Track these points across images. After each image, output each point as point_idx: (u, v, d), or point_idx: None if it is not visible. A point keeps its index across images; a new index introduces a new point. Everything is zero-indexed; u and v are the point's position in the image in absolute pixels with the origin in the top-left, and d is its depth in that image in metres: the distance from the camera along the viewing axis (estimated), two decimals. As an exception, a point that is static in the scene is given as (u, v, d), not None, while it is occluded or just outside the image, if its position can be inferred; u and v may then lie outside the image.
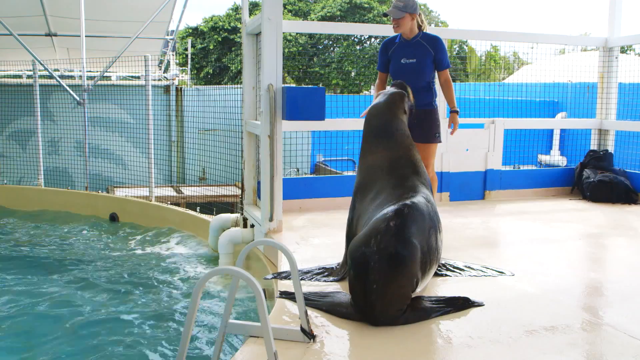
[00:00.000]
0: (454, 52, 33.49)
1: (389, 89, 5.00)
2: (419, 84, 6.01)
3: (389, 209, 3.90)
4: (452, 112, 6.26)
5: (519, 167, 10.51)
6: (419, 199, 4.08)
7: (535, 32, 9.41)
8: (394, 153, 4.57)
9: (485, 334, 3.57)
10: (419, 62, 6.00)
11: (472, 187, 8.27)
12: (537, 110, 12.98)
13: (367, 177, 4.58)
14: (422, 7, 41.98)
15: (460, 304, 3.98)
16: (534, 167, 11.10)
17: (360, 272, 3.65)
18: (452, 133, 6.35)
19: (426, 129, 6.11)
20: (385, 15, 6.05)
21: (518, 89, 13.72)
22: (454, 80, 6.56)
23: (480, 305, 4.01)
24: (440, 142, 6.28)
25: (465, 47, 34.27)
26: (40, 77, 13.08)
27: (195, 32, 33.83)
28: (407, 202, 3.96)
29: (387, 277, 3.61)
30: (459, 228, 6.47)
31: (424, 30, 6.13)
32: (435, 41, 6.05)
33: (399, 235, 3.70)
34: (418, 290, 3.91)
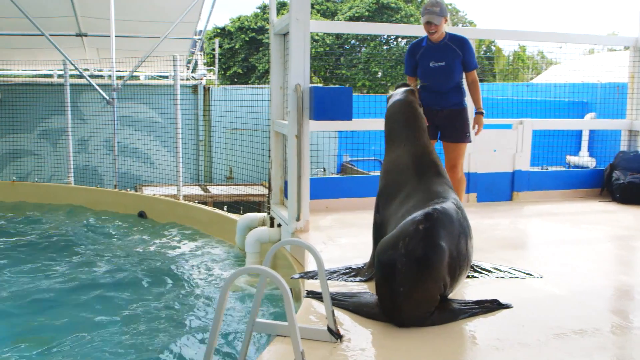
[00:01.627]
0: (482, 52, 33.28)
1: (398, 89, 5.01)
2: (449, 85, 6.01)
3: (418, 212, 3.89)
4: (478, 113, 6.21)
5: (547, 168, 10.42)
6: (449, 205, 4.06)
7: (564, 32, 9.31)
8: (417, 149, 4.57)
9: (513, 336, 3.55)
10: (448, 65, 5.96)
11: (500, 188, 8.21)
12: (565, 111, 12.86)
13: (393, 178, 4.59)
14: (449, 6, 41.80)
15: (488, 307, 3.96)
16: (562, 169, 10.99)
17: (387, 275, 3.65)
18: (476, 134, 6.31)
19: (457, 128, 6.10)
20: (427, 24, 5.88)
21: (546, 89, 13.61)
22: (481, 81, 6.49)
23: (508, 307, 3.99)
24: (470, 141, 6.25)
25: (492, 47, 34.03)
26: (71, 76, 13.24)
27: (222, 32, 34.00)
28: (437, 206, 3.94)
29: (414, 280, 3.60)
30: (487, 229, 6.44)
31: (448, 32, 6.09)
32: (463, 43, 6.01)
33: (427, 239, 3.68)
34: (448, 294, 3.90)
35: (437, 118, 6.04)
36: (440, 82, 5.99)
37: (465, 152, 6.27)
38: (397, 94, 4.94)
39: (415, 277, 3.61)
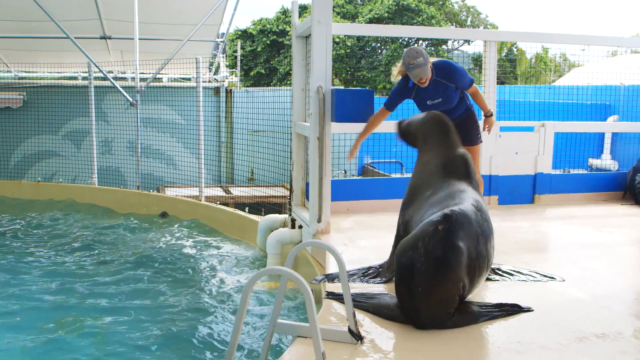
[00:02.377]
0: (503, 54, 33.10)
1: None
2: (449, 110, 5.84)
3: (437, 213, 3.90)
4: (487, 116, 6.20)
5: (569, 171, 10.37)
6: (467, 206, 4.07)
7: (587, 34, 9.25)
8: (449, 152, 4.67)
9: (534, 339, 3.55)
10: (445, 99, 5.75)
11: (521, 190, 8.18)
12: (587, 114, 12.76)
13: (420, 178, 4.66)
14: (471, 8, 41.59)
15: (509, 310, 3.96)
16: (584, 171, 10.92)
17: (406, 275, 3.68)
18: (488, 132, 6.30)
19: (468, 131, 6.02)
20: (415, 78, 5.54)
21: (568, 91, 13.51)
22: (502, 83, 6.48)
23: (529, 311, 3.98)
24: (481, 142, 6.20)
25: (514, 49, 33.82)
26: (95, 78, 13.39)
27: (244, 34, 34.14)
28: (456, 208, 3.96)
29: (432, 280, 3.62)
30: (508, 232, 6.42)
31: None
32: (450, 74, 5.74)
33: (446, 240, 3.70)
34: (468, 296, 3.91)
35: None
36: (443, 111, 5.99)
37: (479, 153, 6.26)
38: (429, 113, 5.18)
39: (434, 278, 3.63)
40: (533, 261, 5.24)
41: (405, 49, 5.62)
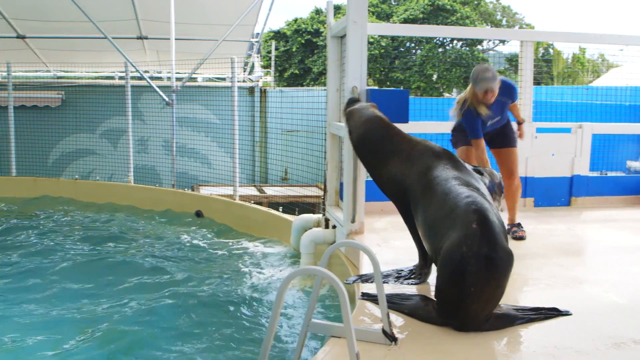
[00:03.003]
0: (539, 55, 32.73)
1: (360, 104, 5.19)
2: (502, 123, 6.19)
3: (464, 214, 3.84)
4: (520, 124, 6.53)
5: (606, 174, 10.21)
6: (476, 193, 4.05)
7: (626, 34, 9.09)
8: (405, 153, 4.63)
9: (570, 344, 3.52)
10: (502, 117, 6.13)
11: (558, 192, 8.08)
12: (626, 115, 12.56)
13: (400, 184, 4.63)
14: (506, 8, 41.18)
15: (546, 313, 3.92)
16: (622, 174, 10.75)
17: (456, 276, 3.63)
18: (521, 139, 6.47)
19: (507, 134, 6.23)
20: (486, 91, 5.67)
21: (606, 92, 13.33)
22: (538, 84, 6.49)
23: (567, 314, 3.94)
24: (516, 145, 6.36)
25: (550, 49, 33.42)
26: (132, 78, 13.55)
27: (277, 35, 34.25)
28: (470, 200, 3.90)
29: (484, 280, 3.60)
30: (544, 235, 6.36)
31: None
32: (511, 92, 6.08)
33: (487, 237, 3.67)
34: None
35: (486, 135, 6.11)
36: (497, 127, 6.16)
37: (517, 156, 6.32)
38: (363, 108, 5.06)
39: (486, 278, 3.60)
40: (569, 265, 5.18)
41: (475, 67, 5.86)
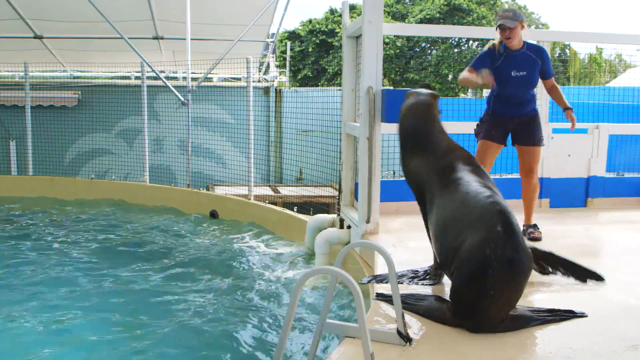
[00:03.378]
0: (555, 55, 32.54)
1: (421, 90, 4.95)
2: (528, 95, 6.05)
3: (485, 214, 3.84)
4: (567, 109, 6.17)
5: (623, 175, 10.13)
6: (495, 194, 4.03)
7: (645, 35, 9.05)
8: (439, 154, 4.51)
9: (586, 346, 3.50)
10: (529, 75, 5.95)
11: (574, 193, 8.03)
12: (643, 116, 12.45)
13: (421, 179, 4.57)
14: (522, 8, 41.00)
15: (562, 315, 3.90)
16: (639, 175, 10.66)
17: (476, 277, 3.62)
18: (572, 128, 6.21)
19: (533, 132, 6.10)
20: (498, 27, 5.84)
21: (623, 93, 13.21)
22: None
23: (582, 316, 3.92)
24: (544, 145, 6.24)
25: (567, 50, 33.22)
26: (147, 78, 13.61)
27: (292, 35, 34.27)
28: (490, 200, 3.89)
29: (505, 283, 3.59)
30: (559, 236, 6.32)
31: (526, 41, 6.04)
32: (541, 52, 6.01)
33: (510, 240, 3.66)
34: None
35: (511, 124, 6.05)
36: (520, 91, 5.98)
37: (540, 156, 6.22)
38: (420, 94, 4.89)
39: (506, 280, 3.60)
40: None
41: None
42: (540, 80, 6.13)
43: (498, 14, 5.94)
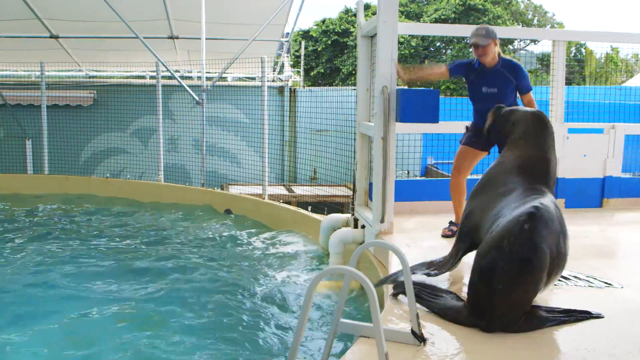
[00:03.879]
0: (571, 54, 32.35)
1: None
2: None
3: (521, 210, 3.85)
4: None
5: (639, 175, 10.06)
6: (548, 202, 4.02)
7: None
8: (538, 153, 4.51)
9: (601, 347, 3.47)
10: (500, 92, 5.91)
11: (589, 194, 7.98)
12: (660, 115, 12.37)
13: (497, 172, 4.59)
14: (538, 7, 40.77)
15: (578, 316, 3.88)
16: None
17: (487, 273, 3.65)
18: None
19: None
20: (471, 45, 5.84)
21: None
22: (569, 83, 6.37)
23: (599, 317, 3.90)
24: None
25: (582, 49, 33.02)
26: (162, 77, 13.67)
27: (306, 35, 34.26)
28: (538, 204, 3.89)
29: (513, 280, 3.60)
30: (575, 236, 6.22)
31: (502, 56, 6.00)
32: (515, 69, 5.93)
33: (531, 240, 3.67)
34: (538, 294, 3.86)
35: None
36: (490, 107, 5.91)
37: None
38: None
39: (515, 278, 3.60)
40: (601, 267, 5.12)
41: None
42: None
43: (471, 32, 5.89)
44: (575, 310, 3.91)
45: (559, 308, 3.95)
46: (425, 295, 4.06)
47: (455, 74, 6.26)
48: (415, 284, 3.82)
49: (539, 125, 4.60)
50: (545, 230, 3.76)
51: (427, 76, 6.42)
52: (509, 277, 3.59)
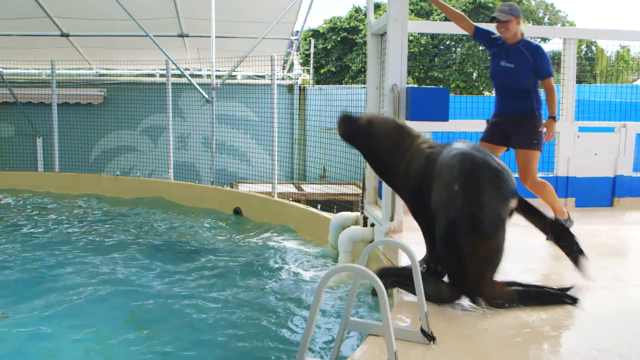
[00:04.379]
0: (582, 53, 32.19)
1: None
2: (517, 89, 5.86)
3: (447, 180, 4.03)
4: (550, 117, 5.90)
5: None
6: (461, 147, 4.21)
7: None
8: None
9: (613, 347, 3.46)
10: (517, 69, 5.82)
11: (600, 193, 7.94)
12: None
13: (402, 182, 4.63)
14: (550, 6, 40.62)
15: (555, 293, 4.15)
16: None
17: (450, 241, 3.95)
18: (546, 139, 5.92)
19: (525, 134, 5.87)
20: (492, 19, 5.87)
21: (652, 91, 13.03)
22: (580, 82, 6.31)
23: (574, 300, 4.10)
24: (539, 150, 5.92)
25: (593, 47, 32.87)
26: (172, 75, 13.70)
27: (315, 33, 34.25)
28: (470, 155, 4.06)
29: (475, 240, 3.88)
30: (585, 235, 6.20)
31: (525, 38, 5.95)
32: (535, 50, 5.85)
33: (474, 199, 3.91)
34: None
35: (507, 124, 5.92)
36: (507, 83, 5.89)
37: (534, 159, 5.91)
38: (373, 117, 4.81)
39: (475, 236, 3.87)
40: (612, 266, 5.10)
41: None
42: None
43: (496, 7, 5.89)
44: (550, 288, 4.20)
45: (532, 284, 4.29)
46: (404, 280, 4.12)
47: (479, 36, 6.16)
48: (396, 272, 4.23)
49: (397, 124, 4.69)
50: (477, 183, 3.93)
51: (456, 18, 6.26)
52: (470, 238, 3.85)
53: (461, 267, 3.91)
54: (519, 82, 5.85)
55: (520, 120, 5.86)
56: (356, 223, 7.57)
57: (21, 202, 12.09)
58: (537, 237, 4.83)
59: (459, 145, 4.21)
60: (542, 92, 5.94)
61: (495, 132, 5.98)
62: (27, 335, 5.47)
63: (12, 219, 10.54)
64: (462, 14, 6.16)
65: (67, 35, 15.79)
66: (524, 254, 5.33)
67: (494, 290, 3.99)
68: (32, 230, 9.79)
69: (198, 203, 11.70)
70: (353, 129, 4.59)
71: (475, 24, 6.13)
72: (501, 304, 3.99)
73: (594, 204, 7.89)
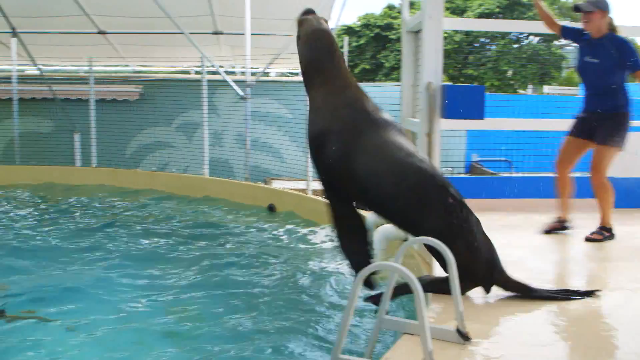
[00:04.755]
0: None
1: (310, 15, 4.69)
2: (602, 85, 5.76)
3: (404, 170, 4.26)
4: None
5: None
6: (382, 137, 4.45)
7: None
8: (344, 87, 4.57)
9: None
10: (602, 64, 5.70)
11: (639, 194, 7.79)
12: None
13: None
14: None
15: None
16: None
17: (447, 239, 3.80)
18: None
19: (605, 131, 5.75)
20: (575, 9, 5.76)
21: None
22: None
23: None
24: (618, 147, 5.82)
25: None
26: (207, 72, 13.79)
27: (348, 30, 34.23)
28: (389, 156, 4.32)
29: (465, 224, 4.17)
30: (625, 237, 6.13)
31: (612, 33, 5.78)
32: (621, 44, 5.69)
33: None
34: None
35: (592, 120, 5.83)
36: (592, 80, 5.80)
37: (608, 157, 5.80)
38: (313, 19, 4.58)
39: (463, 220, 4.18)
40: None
41: None
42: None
43: None
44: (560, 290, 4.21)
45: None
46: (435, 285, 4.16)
47: (566, 35, 6.13)
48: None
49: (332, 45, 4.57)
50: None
51: (550, 24, 6.21)
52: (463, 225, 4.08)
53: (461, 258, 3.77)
54: (603, 78, 5.75)
55: (604, 117, 5.76)
56: (391, 221, 7.51)
57: (61, 196, 12.28)
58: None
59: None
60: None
61: (582, 128, 5.92)
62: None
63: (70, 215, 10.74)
64: (554, 19, 6.12)
65: (104, 33, 15.98)
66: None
67: (507, 277, 4.10)
68: (72, 222, 9.95)
69: (232, 199, 11.74)
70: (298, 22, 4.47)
71: (561, 23, 6.14)
72: (518, 289, 4.10)
73: (633, 204, 7.71)
